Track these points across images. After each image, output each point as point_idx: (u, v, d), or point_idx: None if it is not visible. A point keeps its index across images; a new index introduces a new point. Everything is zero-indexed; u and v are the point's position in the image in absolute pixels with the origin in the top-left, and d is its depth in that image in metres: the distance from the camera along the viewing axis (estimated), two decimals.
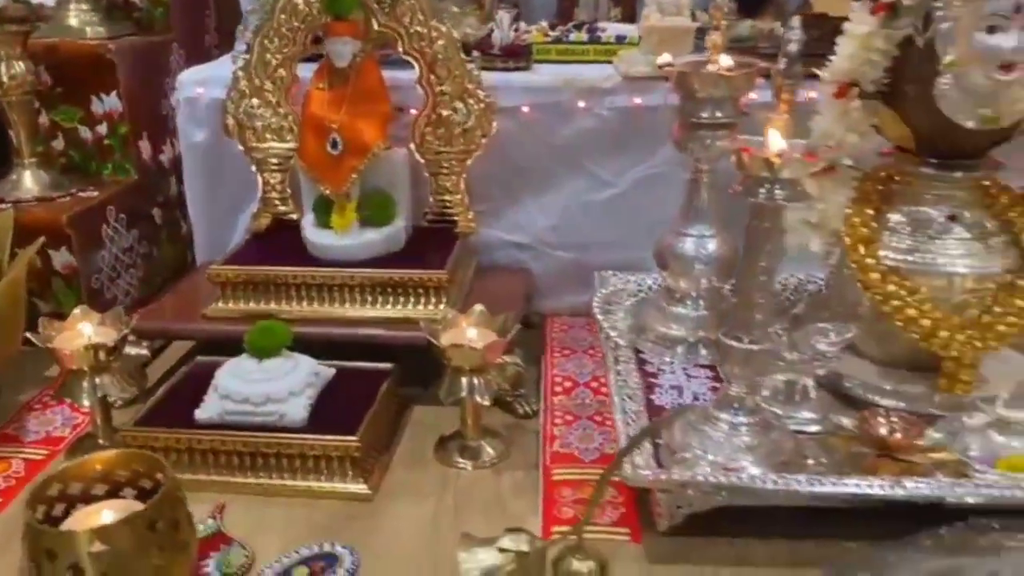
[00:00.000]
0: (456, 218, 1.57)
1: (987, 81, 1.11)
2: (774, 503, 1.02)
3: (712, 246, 1.41)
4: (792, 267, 1.53)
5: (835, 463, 1.12)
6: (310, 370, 1.23)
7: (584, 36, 1.72)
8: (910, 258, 1.24)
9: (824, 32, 1.38)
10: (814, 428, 1.21)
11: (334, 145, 1.39)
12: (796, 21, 1.11)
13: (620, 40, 1.68)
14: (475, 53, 1.55)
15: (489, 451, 1.27)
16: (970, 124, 1.15)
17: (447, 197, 1.56)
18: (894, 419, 1.12)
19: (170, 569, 0.83)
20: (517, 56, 1.64)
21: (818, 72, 1.24)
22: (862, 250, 1.25)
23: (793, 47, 1.13)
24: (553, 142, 1.59)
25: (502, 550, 0.90)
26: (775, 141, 0.94)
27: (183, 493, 0.84)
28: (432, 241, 1.51)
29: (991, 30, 1.10)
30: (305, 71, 1.51)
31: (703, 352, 1.42)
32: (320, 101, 1.42)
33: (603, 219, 1.63)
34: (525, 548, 0.91)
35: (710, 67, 1.32)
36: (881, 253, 1.25)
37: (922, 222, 1.25)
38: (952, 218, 1.25)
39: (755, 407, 1.10)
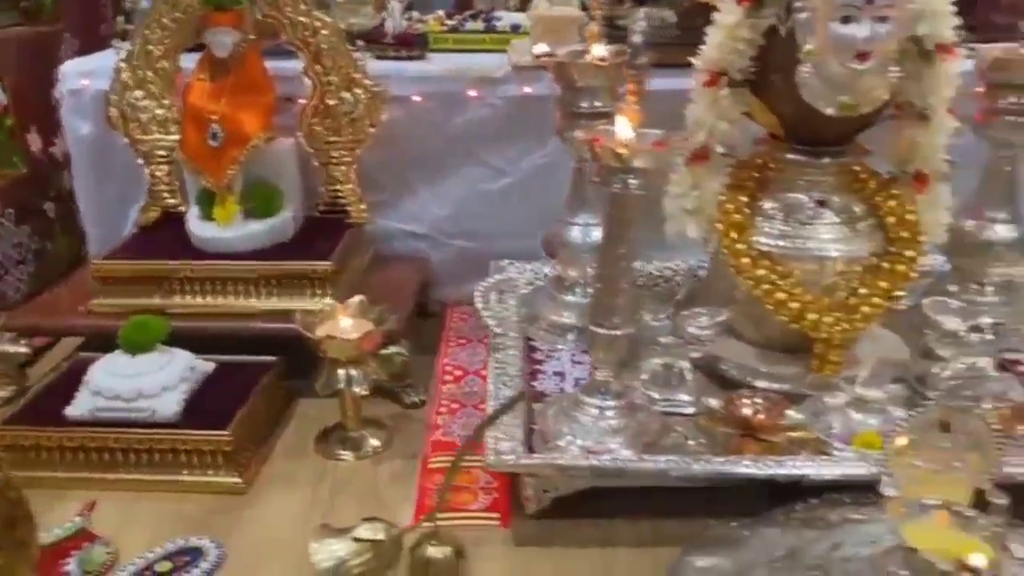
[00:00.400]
0: (348, 208, 1.56)
1: (843, 70, 1.14)
2: (635, 483, 1.04)
3: (597, 234, 1.43)
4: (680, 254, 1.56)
5: (703, 445, 1.15)
6: (185, 365, 1.22)
7: (480, 25, 1.73)
8: (782, 243, 1.27)
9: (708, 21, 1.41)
10: (690, 410, 1.24)
11: (214, 137, 1.38)
12: (642, 13, 1.12)
13: (515, 29, 1.69)
14: (360, 42, 1.54)
15: (372, 442, 1.27)
16: (830, 111, 1.18)
17: (338, 187, 1.56)
18: (758, 400, 1.15)
19: (12, 568, 0.82)
20: (410, 45, 1.64)
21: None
22: (734, 235, 1.27)
23: (637, 38, 1.15)
24: (447, 131, 1.60)
25: (357, 540, 0.91)
26: (623, 131, 0.96)
27: (17, 492, 0.83)
28: (322, 232, 1.50)
29: (845, 20, 1.13)
30: (189, 62, 1.49)
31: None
32: (201, 92, 1.40)
33: (499, 208, 1.64)
34: (381, 537, 0.92)
35: (587, 57, 1.34)
36: (755, 238, 1.28)
37: (793, 207, 1.28)
38: (821, 203, 1.28)
39: (621, 391, 1.13)
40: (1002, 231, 1.44)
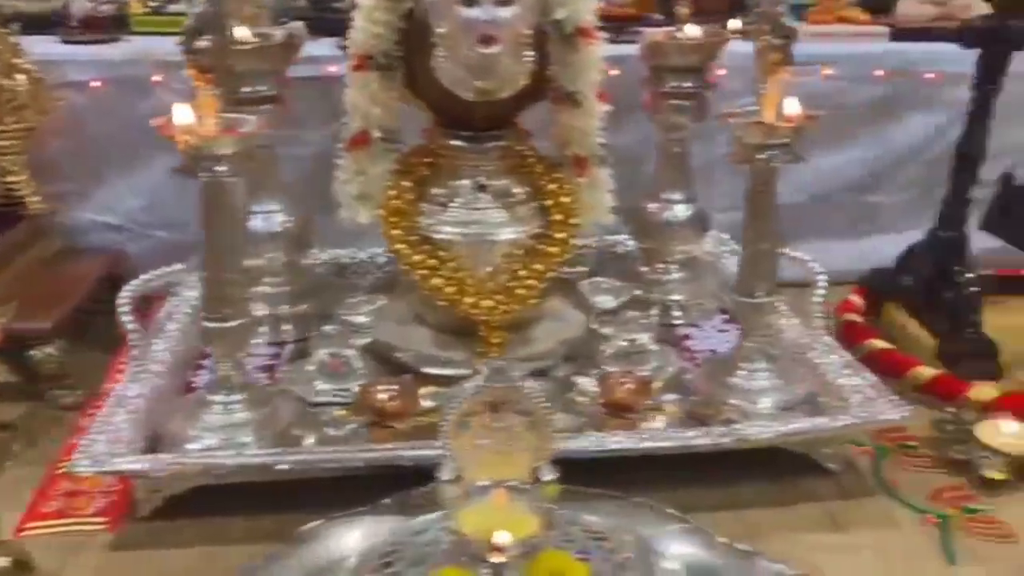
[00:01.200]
0: (24, 200, 1.47)
1: (474, 54, 1.14)
2: (242, 479, 1.02)
3: (280, 219, 1.40)
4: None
5: (342, 434, 1.14)
6: None
7: (183, 6, 1.66)
8: (446, 228, 1.27)
9: None
10: None
11: None
12: None
13: None
14: (14, 25, 1.45)
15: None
16: (468, 96, 1.17)
17: (11, 179, 1.46)
18: (394, 387, 1.15)
19: None
20: (99, 28, 1.56)
21: None
22: (394, 221, 1.27)
23: (192, 21, 1.12)
24: (134, 118, 1.52)
25: None
26: (194, 119, 0.93)
27: None
28: None
29: (468, 4, 1.12)
30: None
31: (287, 327, 1.43)
32: None
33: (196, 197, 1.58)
34: None
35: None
36: (423, 223, 1.27)
37: (457, 193, 1.28)
38: (482, 188, 1.29)
39: (244, 384, 1.10)
40: (680, 211, 1.49)
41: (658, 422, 1.16)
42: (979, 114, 1.29)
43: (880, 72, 1.65)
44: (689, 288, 1.51)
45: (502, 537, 0.79)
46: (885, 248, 1.59)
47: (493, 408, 0.87)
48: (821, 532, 1.03)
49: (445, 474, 0.87)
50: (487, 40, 1.13)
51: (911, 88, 1.66)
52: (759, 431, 1.07)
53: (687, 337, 1.43)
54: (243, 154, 0.96)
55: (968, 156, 1.32)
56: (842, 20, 1.71)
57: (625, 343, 1.32)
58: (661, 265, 1.52)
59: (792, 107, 0.99)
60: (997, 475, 1.10)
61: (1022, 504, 1.08)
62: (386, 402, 1.12)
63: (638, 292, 1.50)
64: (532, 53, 1.17)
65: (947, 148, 1.43)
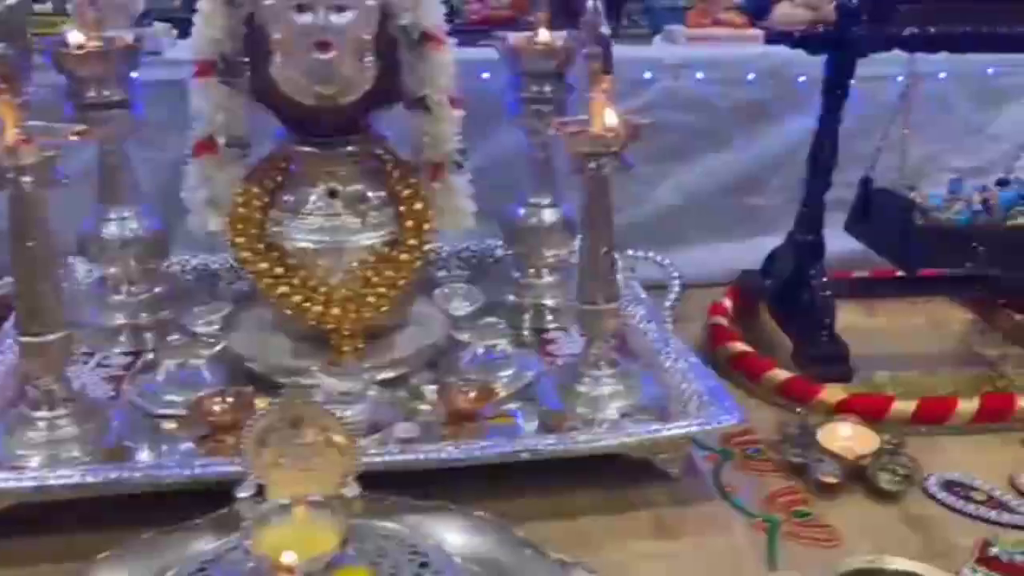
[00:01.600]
0: None
1: (311, 59, 1.13)
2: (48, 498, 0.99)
3: (134, 226, 1.37)
4: None
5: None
6: None
7: None
8: (296, 235, 1.25)
9: None
10: None
11: None
12: None
13: None
14: None
15: None
16: (309, 102, 1.16)
17: None
18: (228, 399, 1.13)
19: None
20: None
21: None
22: (240, 228, 1.24)
23: None
24: None
25: None
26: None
27: None
28: None
29: (301, 9, 1.11)
30: None
31: (148, 336, 1.40)
32: None
33: None
34: None
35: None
36: (272, 230, 1.25)
37: (307, 199, 1.26)
38: (332, 193, 1.27)
39: (68, 396, 1.07)
40: (548, 216, 1.48)
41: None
42: (828, 119, 1.31)
43: (753, 76, 1.66)
44: (561, 292, 1.51)
45: (289, 557, 0.78)
46: (769, 249, 1.60)
47: (293, 424, 0.86)
48: (651, 539, 1.03)
49: (244, 491, 0.86)
50: (323, 46, 1.12)
51: (785, 92, 1.68)
52: (589, 439, 1.07)
53: (551, 342, 1.43)
54: (45, 165, 0.93)
55: (820, 161, 1.33)
56: (719, 24, 1.72)
57: (483, 350, 1.31)
58: (533, 270, 1.52)
59: (611, 117, 0.98)
60: (831, 479, 1.11)
61: (852, 507, 1.10)
62: (218, 415, 1.10)
63: (512, 297, 1.50)
64: (373, 58, 1.16)
65: None
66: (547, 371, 1.29)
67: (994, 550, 1.00)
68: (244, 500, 0.85)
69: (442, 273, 1.62)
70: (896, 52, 1.28)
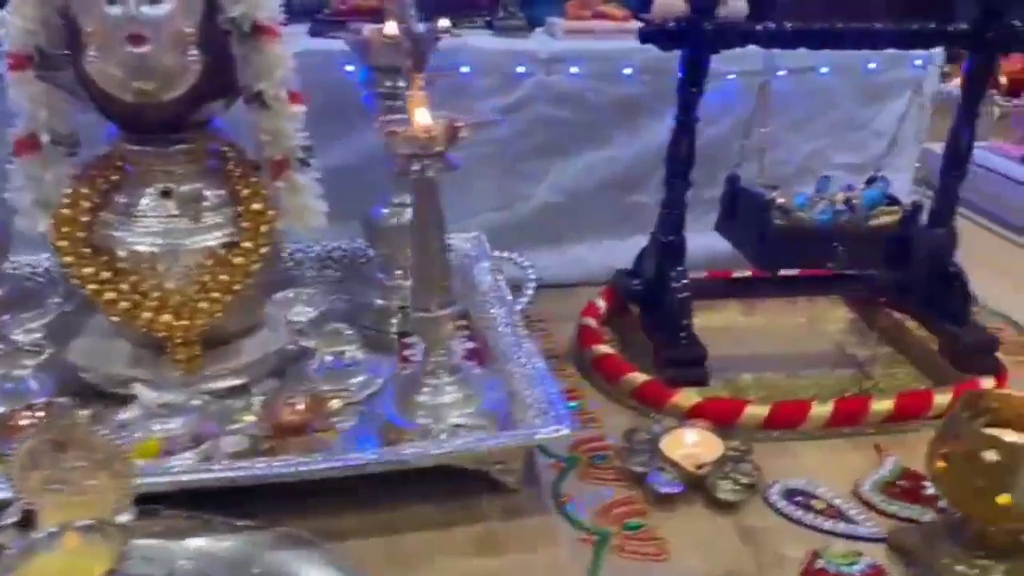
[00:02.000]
0: None
1: (126, 53, 1.07)
2: None
3: None
4: None
5: None
6: None
7: None
8: (127, 238, 1.19)
9: None
10: None
11: None
12: None
13: None
14: None
15: None
16: (128, 98, 1.10)
17: None
18: (39, 413, 1.07)
19: None
20: None
21: None
22: (65, 231, 1.18)
23: None
24: None
25: None
26: None
27: None
28: None
29: (111, 1, 1.05)
30: None
31: None
32: None
33: None
34: None
35: None
36: (102, 233, 1.19)
37: (140, 200, 1.20)
38: (166, 194, 1.21)
39: None
40: (409, 216, 1.43)
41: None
42: (684, 118, 1.28)
43: (630, 71, 1.63)
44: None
45: None
46: None
47: (57, 447, 0.80)
48: (473, 556, 0.99)
49: (9, 518, 0.81)
50: (136, 39, 1.06)
51: (664, 87, 1.64)
52: (417, 451, 1.03)
53: (411, 347, 1.38)
54: None
55: (677, 160, 1.30)
56: (599, 16, 1.68)
57: (331, 357, 1.27)
58: (399, 271, 1.47)
59: (423, 117, 0.94)
60: (667, 489, 1.08)
61: (689, 519, 1.07)
62: (26, 429, 1.04)
63: (379, 301, 1.46)
64: (198, 52, 1.10)
65: (704, 147, 1.41)
66: (393, 379, 1.25)
67: (821, 562, 0.98)
68: (4, 528, 0.80)
69: (311, 273, 1.58)
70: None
